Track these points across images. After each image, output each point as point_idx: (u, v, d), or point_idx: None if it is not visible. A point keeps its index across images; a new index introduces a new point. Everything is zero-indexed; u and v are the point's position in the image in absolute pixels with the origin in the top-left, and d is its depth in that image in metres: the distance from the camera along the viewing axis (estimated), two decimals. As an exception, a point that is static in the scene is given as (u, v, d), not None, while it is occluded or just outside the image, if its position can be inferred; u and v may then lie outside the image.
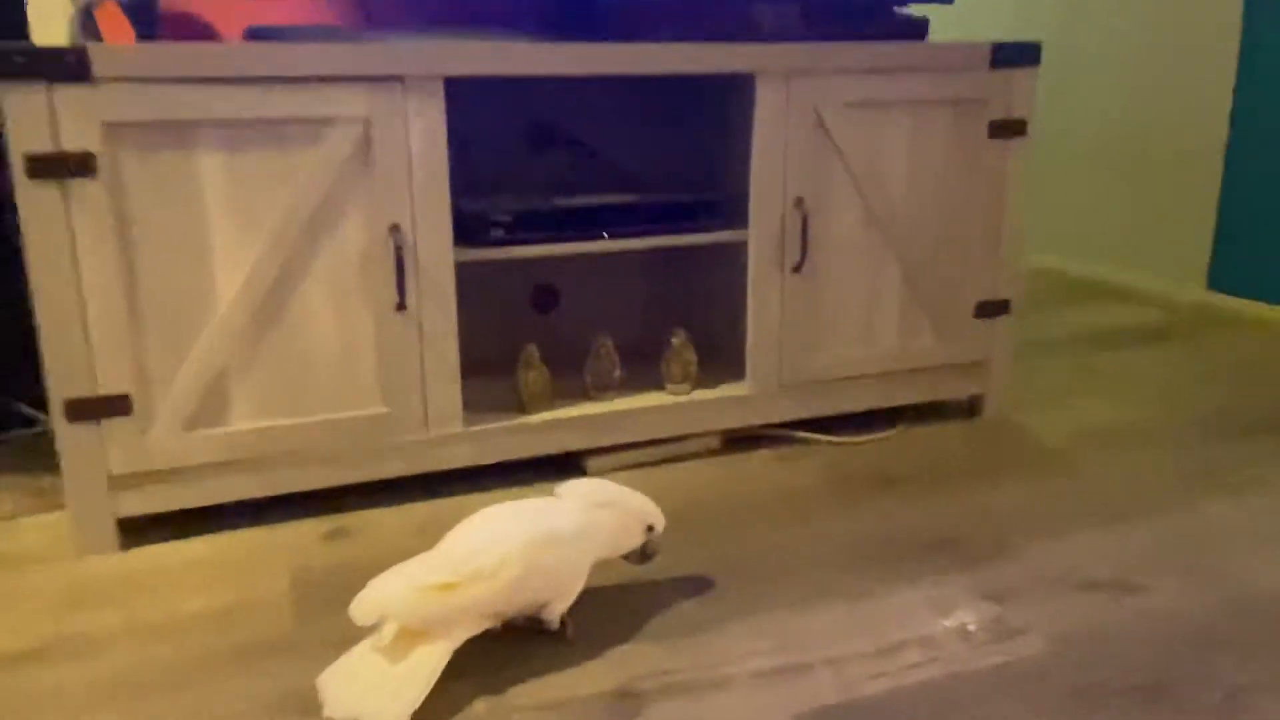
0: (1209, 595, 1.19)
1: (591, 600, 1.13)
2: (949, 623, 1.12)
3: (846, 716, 0.97)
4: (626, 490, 1.14)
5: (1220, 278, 2.42)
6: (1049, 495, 1.46)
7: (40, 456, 1.53)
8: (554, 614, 1.08)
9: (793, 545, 1.31)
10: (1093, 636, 1.10)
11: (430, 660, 0.97)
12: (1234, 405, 1.83)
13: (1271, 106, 2.25)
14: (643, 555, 1.15)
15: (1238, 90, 2.32)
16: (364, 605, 0.98)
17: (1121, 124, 2.64)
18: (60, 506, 1.42)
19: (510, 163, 1.67)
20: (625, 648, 1.09)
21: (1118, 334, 2.30)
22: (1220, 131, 2.37)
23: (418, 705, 0.95)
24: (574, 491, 1.11)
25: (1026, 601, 1.17)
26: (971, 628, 1.11)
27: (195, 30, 1.48)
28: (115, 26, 1.37)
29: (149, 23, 1.40)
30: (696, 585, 1.21)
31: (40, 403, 1.55)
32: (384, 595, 0.98)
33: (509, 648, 1.08)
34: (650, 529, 1.13)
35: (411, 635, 0.98)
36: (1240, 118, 2.33)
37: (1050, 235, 2.88)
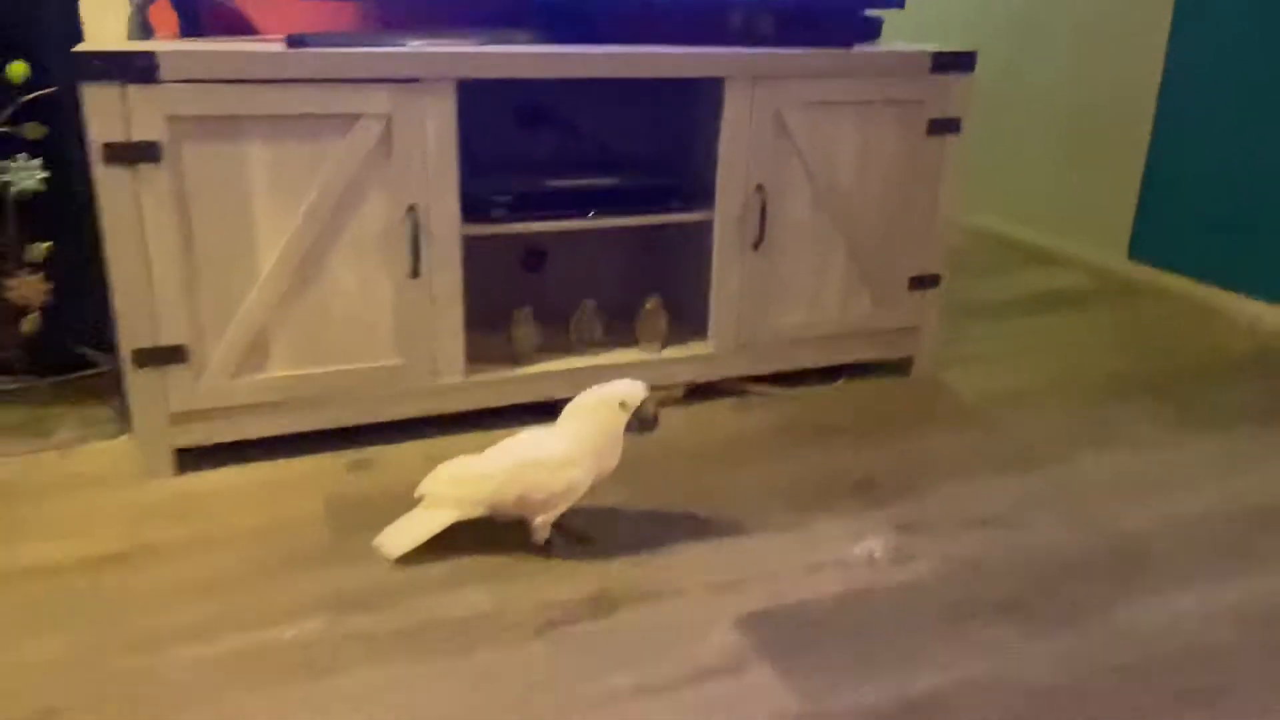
0: (1073, 532, 1.47)
1: (575, 520, 1.39)
2: (859, 549, 1.40)
3: (774, 617, 1.25)
4: (593, 389, 1.34)
5: (1141, 248, 2.69)
6: (959, 446, 1.73)
7: (100, 394, 1.76)
8: (538, 528, 1.35)
9: (741, 482, 1.58)
10: (973, 563, 1.38)
11: (435, 520, 1.34)
12: (1133, 369, 2.10)
13: (1196, 91, 2.48)
14: (641, 427, 1.34)
15: (1165, 73, 2.56)
16: (420, 485, 1.36)
17: (1059, 98, 2.87)
18: (118, 435, 1.66)
19: (509, 144, 1.89)
20: (601, 563, 1.36)
21: (1042, 299, 2.57)
22: (1147, 111, 2.61)
23: (415, 545, 1.33)
24: (565, 413, 1.35)
25: (925, 534, 1.45)
26: (877, 554, 1.39)
27: (235, 26, 1.67)
28: (164, 22, 1.57)
29: (193, 19, 1.59)
30: (660, 514, 1.48)
31: (100, 346, 1.78)
32: (425, 480, 1.37)
33: (510, 561, 1.35)
34: (623, 404, 1.33)
35: (435, 504, 1.35)
36: (1166, 100, 2.56)
37: (992, 198, 3.13)
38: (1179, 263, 2.58)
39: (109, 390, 1.68)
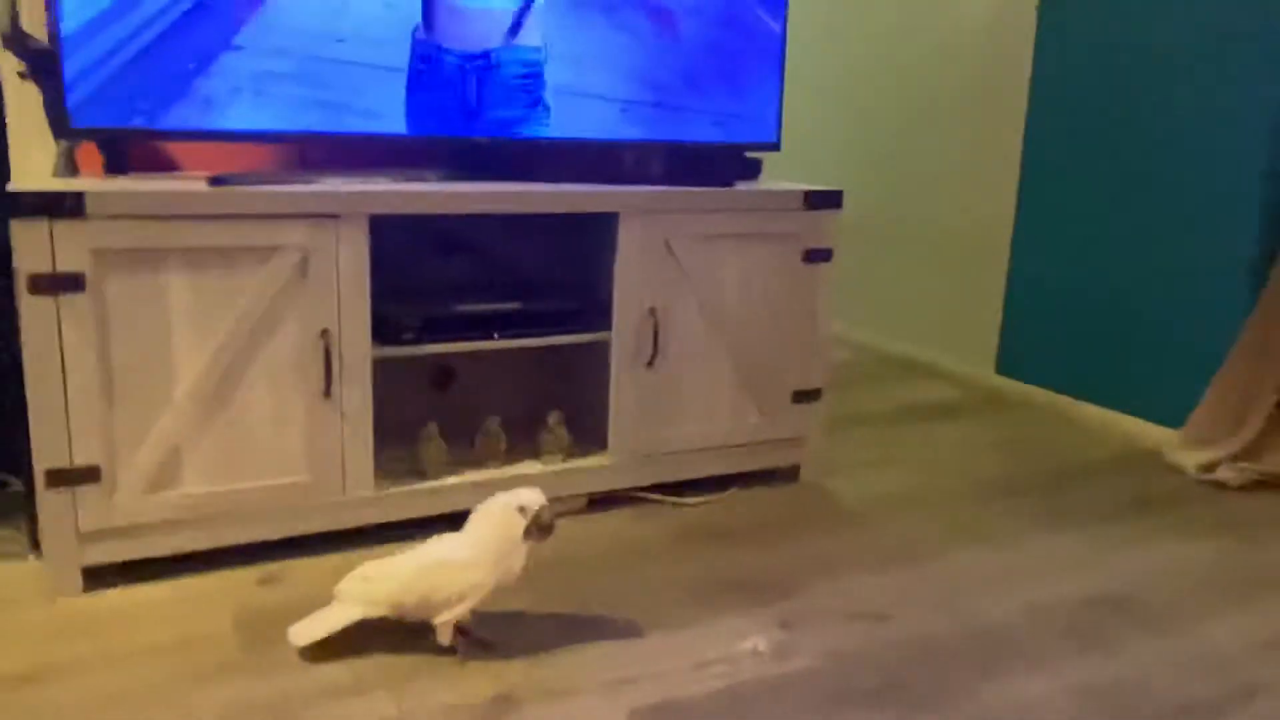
0: (942, 622, 1.60)
1: (480, 626, 1.47)
2: (746, 645, 1.51)
3: (665, 711, 1.34)
4: (494, 498, 1.44)
5: (1006, 363, 2.93)
6: (839, 546, 1.87)
7: (5, 513, 1.78)
8: (442, 627, 1.42)
9: (636, 586, 1.68)
10: (851, 654, 1.50)
11: (342, 614, 1.43)
12: (1001, 474, 2.29)
13: (1046, 221, 2.77)
14: (539, 533, 1.43)
15: (1019, 203, 2.84)
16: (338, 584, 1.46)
17: (926, 226, 3.15)
18: (20, 557, 1.68)
19: (420, 271, 2.01)
20: (502, 664, 1.43)
21: (919, 410, 2.77)
22: (1005, 238, 2.88)
23: (320, 636, 1.41)
24: (470, 520, 1.45)
25: (806, 628, 1.56)
26: (762, 648, 1.50)
27: (158, 164, 1.78)
28: (90, 160, 1.67)
29: (118, 158, 1.70)
30: (559, 617, 1.57)
31: (5, 466, 1.80)
32: (343, 579, 1.46)
33: (414, 665, 1.41)
34: (522, 509, 1.42)
35: (345, 601, 1.44)
36: (1021, 228, 2.85)
37: (872, 315, 3.38)
38: (1041, 376, 2.82)
39: (19, 510, 1.71)
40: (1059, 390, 2.77)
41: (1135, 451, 2.46)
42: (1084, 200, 2.66)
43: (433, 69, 1.78)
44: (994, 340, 2.96)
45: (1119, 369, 2.61)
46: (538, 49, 1.85)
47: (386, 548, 1.73)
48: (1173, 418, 2.44)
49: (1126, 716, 1.37)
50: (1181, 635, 1.58)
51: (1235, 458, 2.25)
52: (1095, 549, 1.89)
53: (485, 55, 1.82)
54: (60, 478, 1.54)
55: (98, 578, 1.60)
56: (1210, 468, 2.25)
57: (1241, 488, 2.21)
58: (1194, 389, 2.38)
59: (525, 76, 1.86)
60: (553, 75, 1.87)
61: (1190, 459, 2.30)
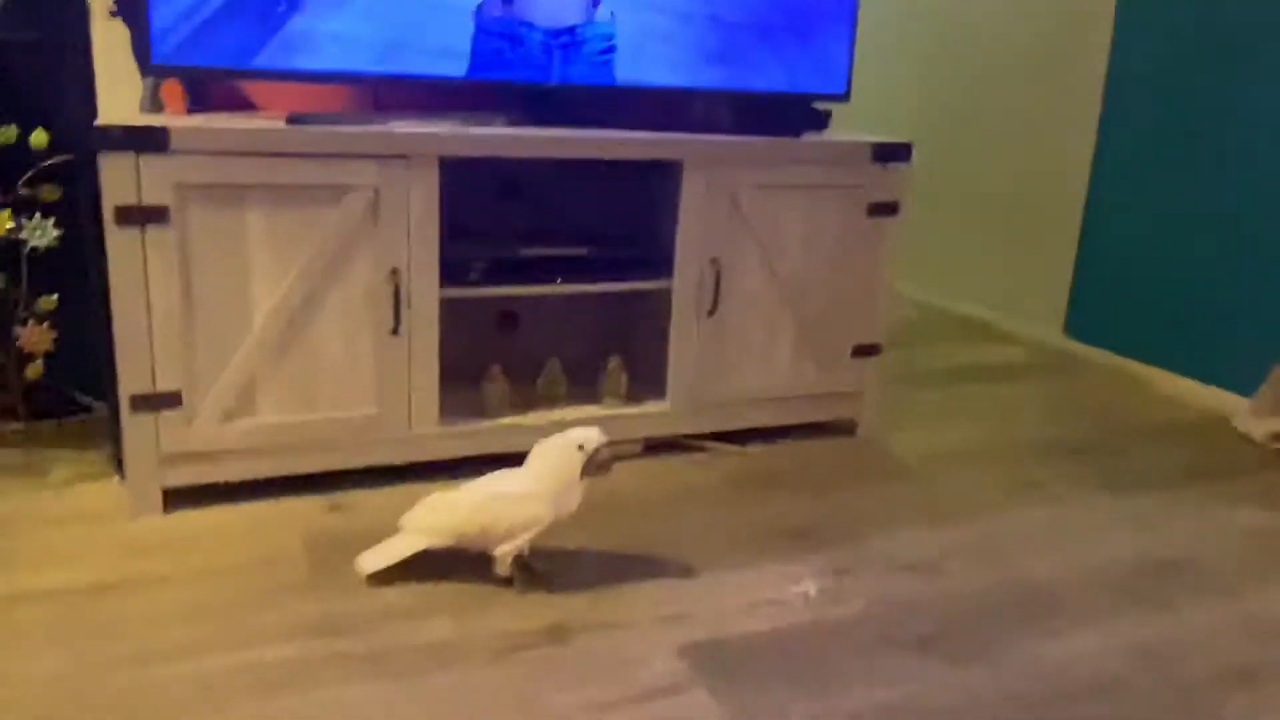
0: (991, 577, 1.61)
1: (537, 559, 1.52)
2: (797, 589, 1.53)
3: (713, 647, 1.38)
4: (554, 436, 1.48)
5: (1075, 326, 2.88)
6: (894, 499, 1.88)
7: (91, 437, 1.87)
8: (501, 558, 1.47)
9: (691, 530, 1.71)
10: (899, 603, 1.52)
11: (406, 544, 1.48)
12: (1061, 435, 2.27)
13: (1123, 181, 2.70)
14: (597, 469, 1.47)
15: (1095, 162, 2.78)
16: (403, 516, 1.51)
17: (998, 184, 3.09)
18: (107, 476, 1.77)
19: (488, 216, 2.04)
20: (558, 597, 1.48)
21: (983, 370, 2.74)
22: (1079, 198, 2.82)
23: (386, 564, 1.47)
24: (531, 455, 1.49)
25: (857, 576, 1.58)
26: (812, 593, 1.52)
27: (238, 104, 1.83)
28: (173, 98, 1.73)
29: (200, 96, 1.75)
30: (614, 554, 1.61)
31: (92, 392, 1.90)
32: (408, 511, 1.51)
33: (473, 593, 1.47)
34: (580, 447, 1.46)
35: (409, 531, 1.49)
36: (1096, 188, 2.78)
37: (939, 275, 3.34)
38: (1110, 339, 2.77)
39: (104, 434, 1.80)
40: (1128, 355, 2.72)
41: (1203, 418, 2.41)
42: (1162, 162, 2.59)
43: (514, 45, 1.80)
44: (1063, 302, 2.90)
45: (1190, 335, 2.55)
46: (610, 23, 1.86)
47: (450, 483, 1.79)
48: (1243, 385, 2.38)
49: (1175, 676, 1.37)
50: (1236, 600, 1.57)
51: (1307, 428, 2.20)
52: (1155, 512, 1.87)
53: (570, 31, 1.84)
54: (144, 402, 1.62)
55: (177, 500, 1.68)
56: (1278, 437, 2.20)
57: (1312, 458, 2.17)
58: (1265, 357, 2.32)
59: (604, 51, 1.87)
60: (622, 21, 1.87)
61: (1259, 427, 2.25)
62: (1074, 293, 2.87)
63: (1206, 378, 2.51)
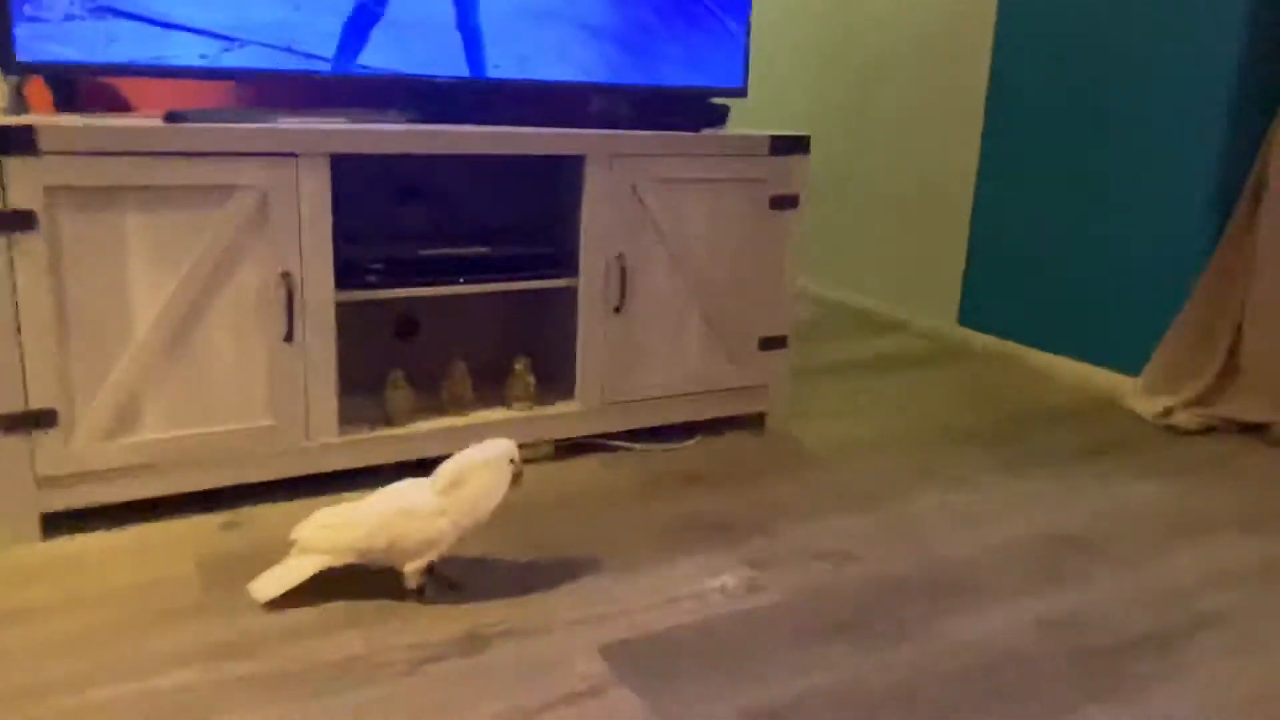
0: (904, 560, 1.62)
1: (446, 567, 1.46)
2: (714, 583, 1.52)
3: (634, 646, 1.35)
4: (475, 451, 1.42)
5: (969, 315, 2.96)
6: (806, 490, 1.88)
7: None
8: (410, 573, 1.41)
9: (606, 530, 1.68)
10: (816, 591, 1.51)
11: (305, 565, 1.40)
12: (962, 421, 2.32)
13: (1009, 172, 2.79)
14: (512, 481, 1.43)
15: (982, 157, 2.86)
16: (295, 530, 1.43)
17: (891, 179, 3.16)
18: (-23, 505, 1.64)
19: (385, 216, 1.98)
20: (471, 605, 1.43)
21: (883, 361, 2.79)
22: (968, 191, 2.90)
23: (284, 590, 1.39)
24: (451, 472, 1.41)
25: (773, 567, 1.58)
26: (730, 585, 1.51)
27: (109, 103, 1.73)
28: (41, 99, 1.62)
29: (68, 96, 1.65)
30: (530, 560, 1.57)
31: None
32: (299, 525, 1.43)
33: (381, 605, 1.41)
34: (511, 460, 1.42)
35: (307, 550, 1.42)
36: (984, 181, 2.86)
37: (836, 270, 3.39)
38: (1002, 327, 2.85)
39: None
40: (1021, 341, 2.80)
41: (1095, 399, 2.50)
42: (1045, 153, 2.68)
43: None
44: (957, 292, 2.98)
45: (1079, 319, 2.64)
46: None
47: (351, 496, 1.72)
48: (1130, 366, 2.48)
49: (1083, 647, 1.40)
50: (1137, 571, 1.62)
51: (1190, 404, 2.29)
52: (1055, 491, 1.93)
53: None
54: (15, 422, 1.51)
55: (57, 524, 1.58)
56: (1166, 413, 2.30)
57: (1195, 432, 2.26)
58: (1151, 338, 2.42)
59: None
60: (519, 15, 1.84)
61: (1147, 405, 2.35)
62: (966, 282, 2.95)
63: (1096, 360, 2.60)
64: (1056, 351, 2.70)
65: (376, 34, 1.74)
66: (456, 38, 1.81)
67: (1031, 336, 2.77)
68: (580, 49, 1.91)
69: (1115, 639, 1.42)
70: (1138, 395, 2.39)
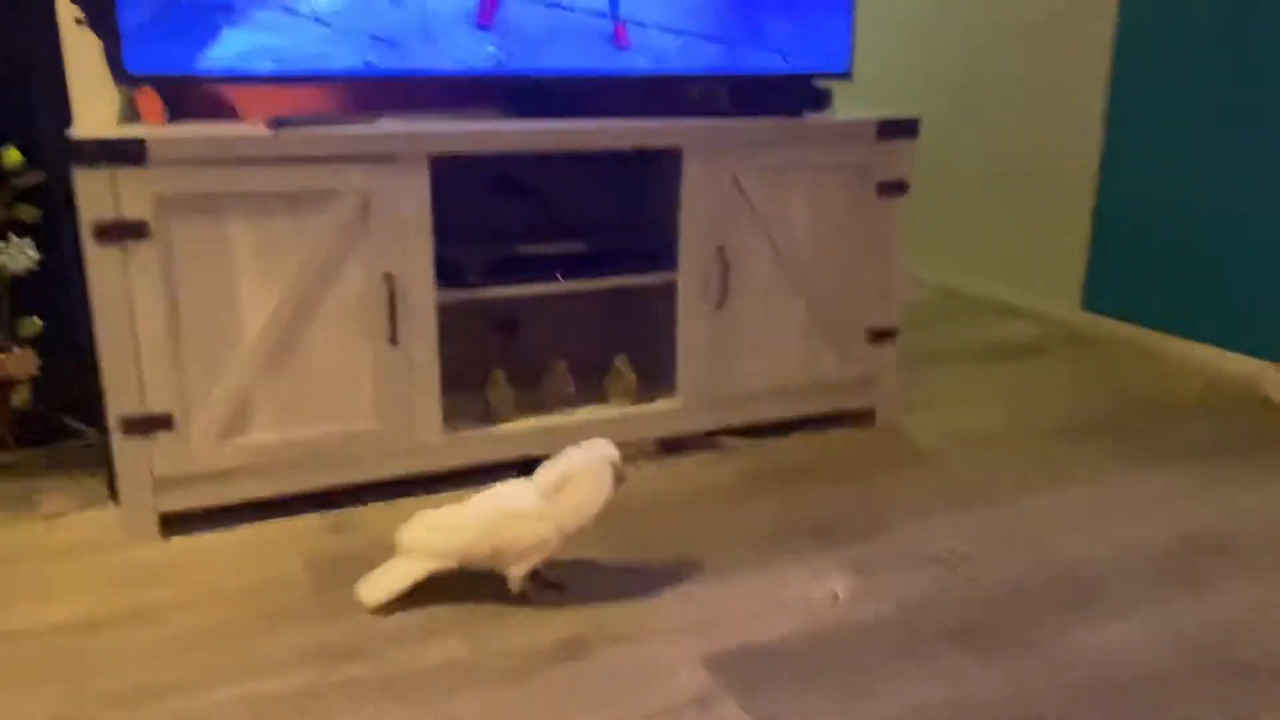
0: (1024, 564, 1.54)
1: (550, 570, 1.45)
2: (821, 589, 1.47)
3: (740, 656, 1.31)
4: (575, 453, 1.40)
5: (1092, 300, 2.80)
6: (917, 487, 1.81)
7: (87, 463, 1.81)
8: (512, 578, 1.40)
9: (708, 531, 1.65)
10: (929, 597, 1.45)
11: (410, 572, 1.40)
12: (1081, 414, 2.20)
13: (1137, 148, 2.63)
14: (615, 482, 1.41)
15: (1107, 130, 2.70)
16: (399, 531, 1.43)
17: (1007, 158, 3.01)
18: (101, 504, 1.70)
19: (483, 214, 1.98)
20: (574, 609, 1.41)
21: (999, 349, 2.67)
22: (1092, 168, 2.74)
23: (389, 595, 1.40)
24: (556, 474, 1.40)
25: (883, 572, 1.52)
26: (839, 593, 1.46)
27: (218, 111, 1.77)
28: (151, 109, 1.66)
29: (179, 105, 1.68)
30: (632, 563, 1.54)
31: (84, 417, 1.83)
32: (404, 527, 1.43)
33: (484, 609, 1.40)
34: (613, 464, 1.40)
35: (411, 554, 1.42)
36: (1109, 157, 2.70)
37: (949, 254, 3.26)
38: (1129, 312, 2.70)
39: (96, 460, 1.74)
40: (1148, 326, 2.64)
41: (1229, 387, 2.34)
42: (1174, 128, 2.51)
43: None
44: (1079, 276, 2.83)
45: (1211, 303, 2.47)
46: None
47: (455, 495, 1.73)
48: (1269, 350, 2.31)
49: (1229, 663, 1.30)
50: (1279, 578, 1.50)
51: (1340, 393, 2.13)
52: (1188, 488, 1.80)
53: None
54: (134, 425, 1.55)
55: (174, 524, 1.62)
56: (1312, 404, 2.14)
57: (1347, 424, 2.10)
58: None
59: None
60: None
61: (1290, 395, 2.19)
62: (1090, 264, 2.80)
63: (1230, 345, 2.43)
64: (1188, 335, 2.54)
65: (467, 30, 1.72)
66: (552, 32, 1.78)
67: (1160, 321, 2.61)
68: (675, 39, 1.86)
69: (1264, 655, 1.31)
70: (1277, 381, 2.23)
